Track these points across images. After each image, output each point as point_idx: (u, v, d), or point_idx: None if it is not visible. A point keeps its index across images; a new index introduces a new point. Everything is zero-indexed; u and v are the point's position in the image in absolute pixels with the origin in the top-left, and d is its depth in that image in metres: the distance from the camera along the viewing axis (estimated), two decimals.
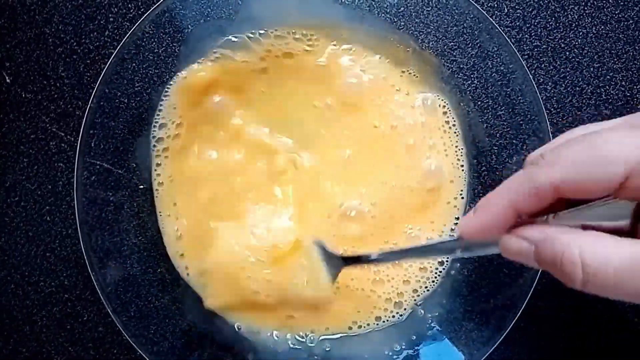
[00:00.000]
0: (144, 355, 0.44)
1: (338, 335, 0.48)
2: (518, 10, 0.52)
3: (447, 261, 0.49)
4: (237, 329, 0.48)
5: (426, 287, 0.49)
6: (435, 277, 0.49)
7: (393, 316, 0.48)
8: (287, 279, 0.46)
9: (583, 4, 0.52)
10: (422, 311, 0.49)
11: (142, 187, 0.48)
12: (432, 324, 0.48)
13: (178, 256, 0.48)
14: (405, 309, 0.49)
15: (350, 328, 0.48)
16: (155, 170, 0.49)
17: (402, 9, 0.48)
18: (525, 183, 0.29)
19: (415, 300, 0.49)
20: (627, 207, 0.28)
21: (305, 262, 0.46)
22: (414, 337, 0.48)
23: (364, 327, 0.48)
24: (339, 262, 0.44)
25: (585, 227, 0.28)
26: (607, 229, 0.28)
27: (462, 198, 0.50)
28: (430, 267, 0.49)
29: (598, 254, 0.26)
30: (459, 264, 0.49)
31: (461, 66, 0.48)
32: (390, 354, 0.47)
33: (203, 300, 0.48)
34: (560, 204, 0.29)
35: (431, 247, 0.38)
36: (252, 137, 0.49)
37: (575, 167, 0.27)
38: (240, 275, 0.47)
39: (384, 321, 0.48)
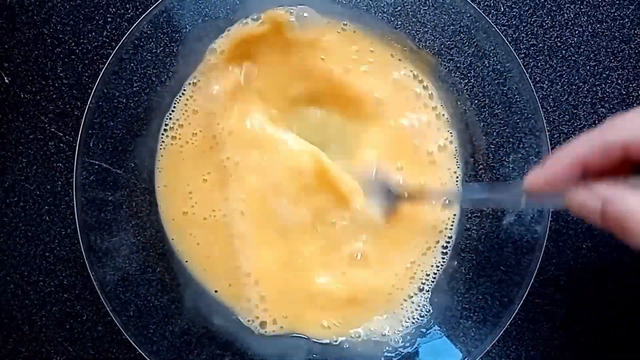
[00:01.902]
0: (143, 355, 0.44)
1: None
2: (514, 9, 0.53)
3: (446, 259, 0.49)
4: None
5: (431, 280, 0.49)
6: (437, 270, 0.49)
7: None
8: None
9: (579, 2, 0.53)
10: (420, 309, 0.49)
11: (140, 186, 0.48)
12: (431, 322, 0.48)
13: None
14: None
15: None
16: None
17: (399, 8, 0.48)
18: (596, 138, 0.31)
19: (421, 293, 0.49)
20: None
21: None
22: (413, 335, 0.48)
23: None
24: (394, 199, 0.47)
25: None
26: None
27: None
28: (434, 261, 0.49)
29: None
30: (456, 262, 0.49)
31: (458, 65, 0.48)
32: (389, 351, 0.47)
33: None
34: (626, 170, 0.31)
35: (494, 196, 0.42)
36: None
37: None
38: None
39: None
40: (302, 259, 0.49)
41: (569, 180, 0.32)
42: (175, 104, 0.49)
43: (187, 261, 0.49)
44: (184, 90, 0.49)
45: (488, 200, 0.44)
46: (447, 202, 0.48)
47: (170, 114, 0.49)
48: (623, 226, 0.29)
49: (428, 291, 0.49)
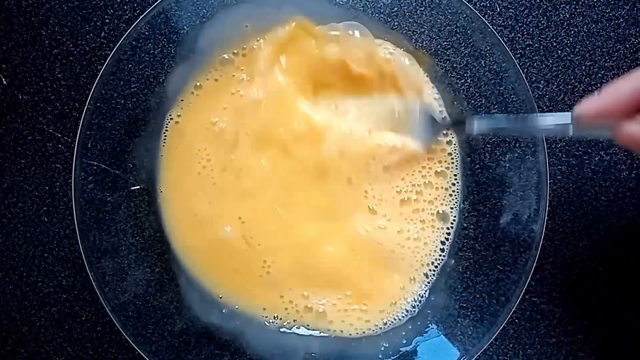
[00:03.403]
0: (142, 354, 0.44)
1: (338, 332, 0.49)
2: (510, 10, 0.53)
3: (443, 259, 0.50)
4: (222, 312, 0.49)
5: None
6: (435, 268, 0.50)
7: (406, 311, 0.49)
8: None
9: (574, 3, 0.53)
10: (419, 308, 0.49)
11: (138, 187, 0.48)
12: (428, 321, 0.48)
13: None
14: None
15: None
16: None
17: (395, 9, 0.48)
18: None
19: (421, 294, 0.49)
20: None
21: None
22: (411, 334, 0.48)
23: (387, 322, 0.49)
24: (438, 128, 0.48)
25: None
26: None
27: (456, 196, 0.50)
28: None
29: None
30: (453, 261, 0.49)
31: (454, 65, 0.49)
32: (387, 349, 0.48)
33: None
34: None
35: (542, 123, 0.40)
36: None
37: None
38: None
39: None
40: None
41: (624, 112, 0.32)
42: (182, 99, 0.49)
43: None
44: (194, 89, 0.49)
45: (530, 128, 0.42)
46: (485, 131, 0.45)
47: (173, 112, 0.49)
48: None
49: (426, 290, 0.49)
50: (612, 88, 0.33)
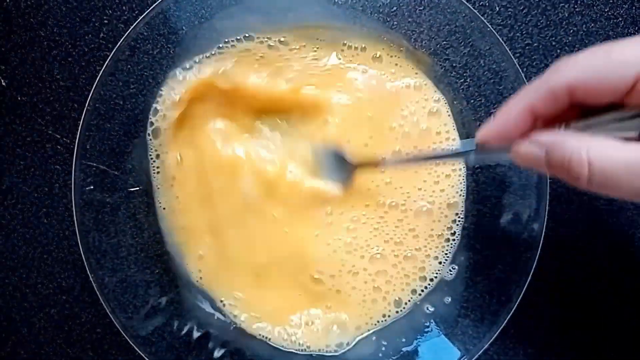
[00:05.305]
0: (142, 355, 0.44)
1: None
2: (509, 9, 0.53)
3: (445, 261, 0.50)
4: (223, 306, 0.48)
5: (426, 286, 0.49)
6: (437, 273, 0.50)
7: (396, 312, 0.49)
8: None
9: (573, 1, 0.53)
10: (420, 307, 0.49)
11: (138, 188, 0.48)
12: (429, 321, 0.48)
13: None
14: (405, 307, 0.49)
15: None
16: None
17: (394, 8, 0.48)
18: (542, 84, 0.31)
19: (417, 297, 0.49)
20: (636, 122, 0.30)
21: None
22: (411, 334, 0.48)
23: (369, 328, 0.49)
24: (350, 168, 0.47)
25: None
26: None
27: (460, 195, 0.50)
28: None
29: (604, 154, 0.28)
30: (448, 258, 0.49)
31: (454, 65, 0.49)
32: (387, 349, 0.48)
33: None
34: (573, 115, 0.32)
35: (446, 153, 0.41)
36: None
37: (589, 69, 0.29)
38: None
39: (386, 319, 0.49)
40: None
41: (520, 130, 0.33)
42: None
43: (187, 264, 0.50)
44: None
45: (438, 158, 0.44)
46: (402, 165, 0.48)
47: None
48: (568, 170, 0.29)
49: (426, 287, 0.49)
50: (504, 110, 0.33)
